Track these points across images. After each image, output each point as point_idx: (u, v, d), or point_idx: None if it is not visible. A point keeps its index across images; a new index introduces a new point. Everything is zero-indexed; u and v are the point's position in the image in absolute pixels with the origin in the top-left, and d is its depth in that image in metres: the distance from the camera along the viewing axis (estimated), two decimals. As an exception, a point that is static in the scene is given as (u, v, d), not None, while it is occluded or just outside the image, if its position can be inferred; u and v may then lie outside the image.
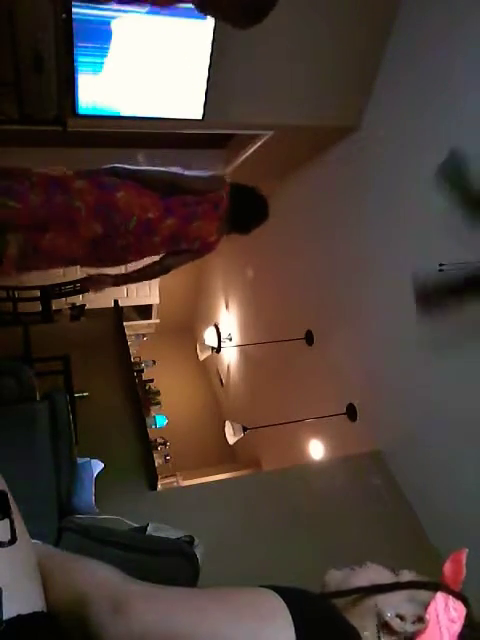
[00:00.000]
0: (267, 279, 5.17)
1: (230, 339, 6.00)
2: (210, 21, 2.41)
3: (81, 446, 2.52)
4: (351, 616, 0.71)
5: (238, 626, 0.63)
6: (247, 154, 3.74)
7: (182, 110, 2.71)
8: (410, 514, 2.99)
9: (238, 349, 5.84)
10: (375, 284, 3.41)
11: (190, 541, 1.76)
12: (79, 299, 5.61)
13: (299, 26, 2.78)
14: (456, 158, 2.18)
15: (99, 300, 5.81)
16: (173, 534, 1.80)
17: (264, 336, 4.76)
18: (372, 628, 0.69)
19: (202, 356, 5.53)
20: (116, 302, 4.75)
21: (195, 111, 2.70)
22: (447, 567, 0.76)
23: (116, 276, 2.16)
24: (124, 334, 4.07)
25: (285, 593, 0.66)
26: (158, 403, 6.07)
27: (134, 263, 2.17)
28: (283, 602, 0.64)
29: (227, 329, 6.09)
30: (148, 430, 3.57)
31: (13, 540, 0.60)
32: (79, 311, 5.44)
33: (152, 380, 6.14)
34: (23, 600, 0.59)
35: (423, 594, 0.72)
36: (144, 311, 7.31)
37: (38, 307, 4.37)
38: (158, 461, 4.95)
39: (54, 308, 4.62)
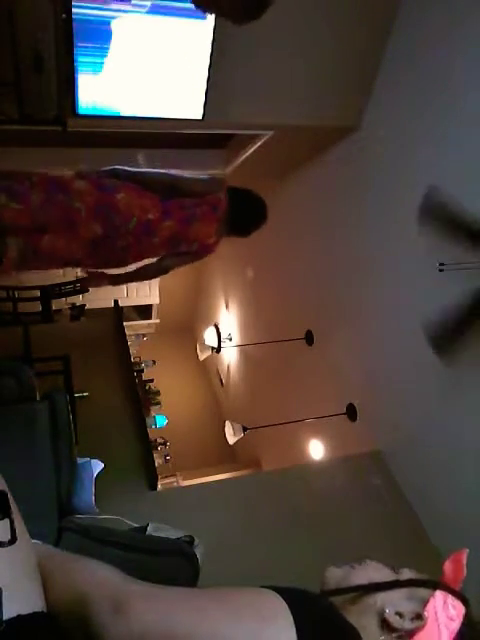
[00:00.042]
0: (267, 279, 5.17)
1: (230, 339, 6.00)
2: (210, 21, 2.41)
3: (81, 446, 2.52)
4: (350, 613, 0.71)
5: (238, 626, 0.63)
6: (247, 154, 3.74)
7: (182, 110, 2.71)
8: (410, 514, 2.99)
9: (238, 349, 5.84)
10: (375, 284, 3.41)
11: (190, 541, 1.76)
12: (79, 299, 5.61)
13: (299, 26, 2.78)
14: (434, 196, 2.24)
15: (99, 300, 5.82)
16: (173, 534, 1.80)
17: (264, 336, 4.76)
18: (371, 625, 0.69)
19: (202, 356, 5.53)
20: (116, 302, 4.75)
21: (195, 111, 2.70)
22: (447, 566, 0.77)
23: (115, 274, 2.17)
24: (124, 334, 4.08)
25: (286, 593, 0.66)
26: (158, 403, 6.07)
27: (134, 264, 2.17)
28: (284, 602, 0.64)
29: (227, 329, 6.09)
30: (148, 430, 3.57)
31: (13, 540, 0.60)
32: (79, 311, 5.45)
33: (152, 380, 6.14)
34: (23, 600, 0.59)
35: (422, 592, 0.72)
36: (144, 311, 7.31)
37: (38, 307, 4.37)
38: (158, 461, 4.95)
39: (54, 308, 4.62)
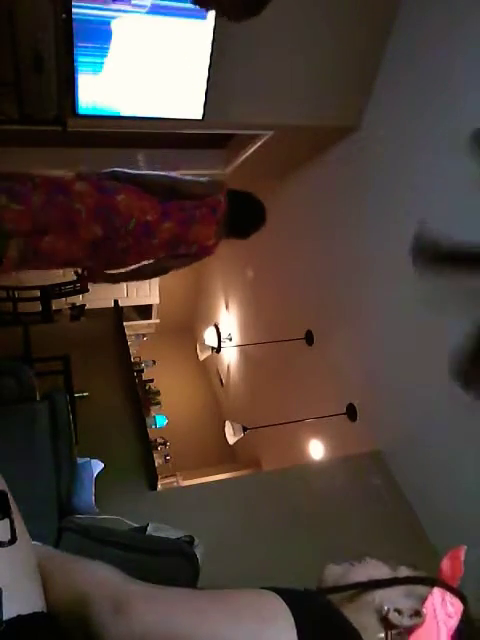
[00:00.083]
0: (267, 279, 5.17)
1: (230, 339, 6.00)
2: (210, 21, 2.41)
3: (81, 446, 2.52)
4: (349, 611, 0.71)
5: (238, 627, 0.63)
6: (247, 154, 3.74)
7: (182, 110, 2.71)
8: (410, 514, 2.99)
9: (238, 349, 5.84)
10: (375, 284, 3.41)
11: (190, 541, 1.76)
12: (79, 299, 5.61)
13: (299, 26, 2.78)
14: (424, 233, 2.20)
15: (99, 300, 5.82)
16: (173, 534, 1.80)
17: (264, 336, 4.76)
18: (370, 623, 0.70)
19: (202, 356, 5.53)
20: (116, 302, 4.75)
21: (195, 111, 2.70)
22: (445, 564, 0.77)
23: (113, 272, 2.17)
24: (124, 334, 4.08)
25: (287, 594, 0.66)
26: (158, 403, 6.07)
27: (134, 265, 2.18)
28: (284, 603, 0.64)
29: (227, 329, 6.09)
30: (148, 430, 3.57)
31: (13, 540, 0.60)
32: (79, 311, 5.45)
33: (152, 380, 6.15)
34: (23, 600, 0.59)
35: (420, 589, 0.72)
36: (144, 311, 7.31)
37: (38, 307, 4.37)
38: (158, 461, 4.95)
39: (54, 308, 4.62)
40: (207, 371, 7.31)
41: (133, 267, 2.20)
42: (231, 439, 4.04)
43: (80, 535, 1.83)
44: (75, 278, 2.35)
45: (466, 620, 0.70)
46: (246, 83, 2.86)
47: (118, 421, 3.33)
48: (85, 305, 5.64)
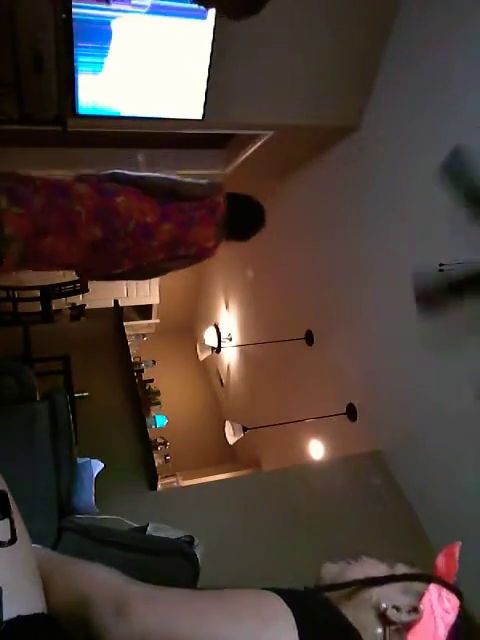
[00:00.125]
0: (267, 279, 5.17)
1: (230, 339, 6.00)
2: (210, 21, 2.41)
3: (81, 446, 2.52)
4: (347, 608, 0.71)
5: (239, 628, 0.63)
6: (247, 154, 3.74)
7: (182, 110, 2.71)
8: (410, 514, 2.99)
9: (238, 349, 5.84)
10: (375, 284, 3.41)
11: (190, 541, 1.76)
12: (79, 299, 5.61)
13: (299, 26, 2.78)
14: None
15: (99, 300, 5.82)
16: (173, 534, 1.80)
17: (264, 336, 4.76)
18: (368, 619, 0.70)
19: (202, 356, 5.53)
20: (116, 302, 4.75)
21: (195, 111, 2.70)
22: (440, 560, 0.77)
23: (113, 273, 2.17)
24: (124, 334, 4.07)
25: (287, 595, 0.66)
26: (158, 403, 6.07)
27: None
28: (285, 604, 0.64)
29: (227, 329, 6.09)
30: (148, 430, 3.57)
31: (13, 540, 0.60)
32: (79, 311, 5.45)
33: (152, 380, 6.15)
34: (23, 601, 0.59)
35: (417, 586, 0.73)
36: (144, 311, 7.31)
37: (38, 307, 4.37)
38: (158, 461, 4.95)
39: (54, 308, 4.62)
40: (207, 371, 7.31)
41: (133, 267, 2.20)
42: (231, 439, 4.04)
43: (80, 535, 1.83)
44: (77, 280, 2.35)
45: (463, 616, 0.70)
46: (246, 83, 2.86)
47: (118, 421, 3.33)
48: (85, 305, 5.64)
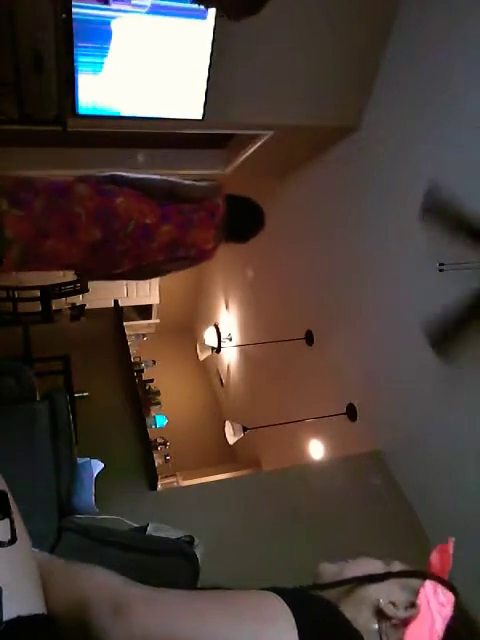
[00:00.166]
0: (267, 279, 5.17)
1: (230, 339, 6.00)
2: (210, 21, 2.41)
3: (81, 446, 2.52)
4: (345, 606, 0.72)
5: (239, 628, 0.63)
6: (247, 154, 3.74)
7: (182, 110, 2.71)
8: (410, 514, 2.99)
9: (238, 349, 5.84)
10: (375, 284, 3.41)
11: (190, 541, 1.76)
12: (79, 299, 5.61)
13: (299, 26, 2.78)
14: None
15: (99, 300, 5.82)
16: (173, 534, 1.80)
17: (264, 336, 4.76)
18: (366, 616, 0.71)
19: (202, 356, 5.53)
20: (116, 302, 4.74)
21: (195, 111, 2.70)
22: (434, 557, 0.78)
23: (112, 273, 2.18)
24: (124, 334, 4.07)
25: (288, 595, 0.66)
26: (158, 403, 6.07)
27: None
28: (285, 604, 0.64)
29: (227, 329, 6.09)
30: (148, 430, 3.57)
31: (13, 540, 0.59)
32: (79, 311, 5.45)
33: (152, 380, 6.14)
34: (23, 601, 0.59)
35: (413, 582, 0.73)
36: (144, 311, 7.32)
37: (38, 307, 4.37)
38: (158, 461, 4.95)
39: (54, 308, 4.62)
40: (207, 371, 7.31)
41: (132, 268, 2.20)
42: (231, 439, 4.04)
43: (80, 535, 1.83)
44: (77, 279, 2.35)
45: (459, 610, 0.71)
46: (246, 83, 2.86)
47: (118, 421, 3.33)
48: (85, 305, 5.64)
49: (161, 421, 5.92)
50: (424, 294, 2.89)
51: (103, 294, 5.90)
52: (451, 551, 0.77)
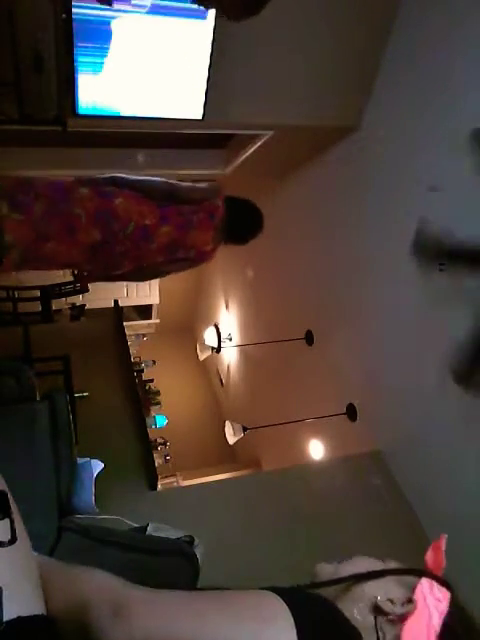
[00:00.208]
0: (267, 279, 5.17)
1: (230, 339, 6.00)
2: (210, 21, 2.41)
3: (81, 446, 2.52)
4: (343, 603, 0.72)
5: (239, 629, 0.63)
6: (247, 154, 3.74)
7: (182, 110, 2.71)
8: (410, 514, 2.99)
9: (238, 349, 5.84)
10: (375, 284, 3.41)
11: (190, 541, 1.76)
12: (79, 299, 5.61)
13: (299, 26, 2.78)
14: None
15: (99, 300, 5.82)
16: (173, 534, 1.80)
17: (264, 336, 4.76)
18: (364, 613, 0.71)
19: (202, 356, 5.53)
20: (116, 302, 4.75)
21: (195, 111, 2.70)
22: (429, 556, 0.79)
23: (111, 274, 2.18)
24: (124, 334, 4.07)
25: (287, 595, 0.66)
26: (158, 403, 6.07)
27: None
28: (284, 604, 0.64)
29: (227, 329, 6.09)
30: (148, 430, 3.57)
31: (13, 540, 0.60)
32: (79, 311, 5.45)
33: (152, 380, 6.15)
34: (23, 602, 0.59)
35: (409, 579, 0.74)
36: (144, 311, 7.32)
37: (38, 307, 4.37)
38: (158, 461, 4.95)
39: (54, 308, 4.62)
40: (207, 371, 7.31)
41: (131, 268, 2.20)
42: (231, 439, 4.04)
43: (80, 535, 1.83)
44: (76, 279, 2.36)
45: (455, 605, 0.72)
46: (246, 83, 2.86)
47: (118, 421, 3.33)
48: (85, 305, 5.64)
49: (161, 421, 5.92)
50: (424, 294, 2.89)
51: (103, 294, 5.90)
52: (444, 548, 0.78)
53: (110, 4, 1.78)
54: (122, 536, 1.80)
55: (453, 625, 0.69)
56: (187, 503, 2.87)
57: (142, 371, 5.89)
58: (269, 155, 3.71)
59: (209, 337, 5.65)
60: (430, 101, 2.83)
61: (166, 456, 5.59)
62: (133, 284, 6.50)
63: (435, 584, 0.72)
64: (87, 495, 2.23)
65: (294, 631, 0.62)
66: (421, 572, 0.75)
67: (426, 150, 2.86)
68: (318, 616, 0.67)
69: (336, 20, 2.82)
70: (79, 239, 1.87)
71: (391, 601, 0.71)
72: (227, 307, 6.28)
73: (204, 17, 2.39)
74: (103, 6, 2.17)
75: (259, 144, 3.55)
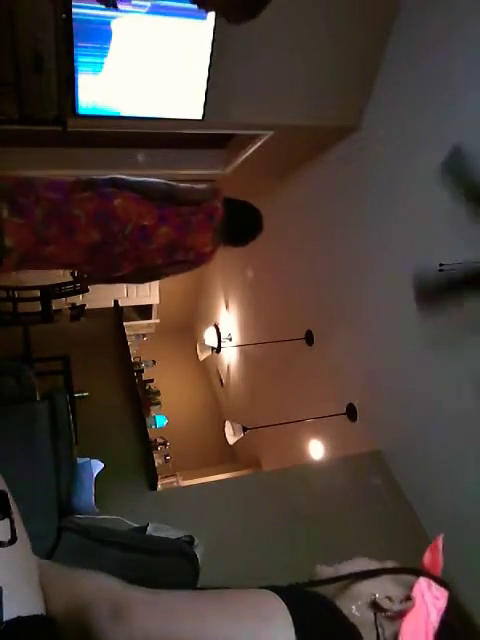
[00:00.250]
0: (267, 279, 5.17)
1: (230, 339, 6.00)
2: (210, 21, 2.42)
3: (81, 446, 2.52)
4: (342, 601, 0.73)
5: (239, 628, 0.63)
6: (247, 154, 3.74)
7: (182, 110, 2.71)
8: (410, 514, 2.99)
9: (238, 349, 5.84)
10: (375, 284, 3.41)
11: (190, 541, 1.76)
12: (79, 299, 5.61)
13: (299, 26, 2.78)
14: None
15: (99, 300, 5.82)
16: (173, 534, 1.80)
17: (264, 336, 4.76)
18: (362, 611, 0.72)
19: (202, 356, 5.53)
20: (116, 302, 4.75)
21: (195, 111, 2.70)
22: (426, 557, 0.79)
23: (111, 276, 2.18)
24: (124, 334, 4.07)
25: (285, 593, 0.67)
26: (158, 403, 6.07)
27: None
28: (283, 603, 0.65)
29: (227, 329, 6.09)
30: (148, 430, 3.57)
31: (13, 540, 0.60)
32: (79, 311, 5.45)
33: (152, 380, 6.14)
34: (23, 602, 0.59)
35: (407, 578, 0.75)
36: (144, 311, 7.32)
37: (38, 307, 4.37)
38: (158, 461, 4.95)
39: (54, 308, 4.62)
40: (207, 371, 7.31)
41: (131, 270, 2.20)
42: (231, 439, 4.04)
43: (80, 535, 1.83)
44: (76, 280, 2.36)
45: (453, 604, 0.72)
46: (246, 83, 2.86)
47: (118, 421, 3.33)
48: (85, 305, 5.64)
49: (161, 421, 5.92)
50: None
51: (103, 294, 5.90)
52: (440, 548, 0.78)
53: (115, 7, 1.78)
54: (122, 536, 1.81)
55: (451, 621, 0.69)
56: (187, 503, 2.87)
57: (142, 371, 5.89)
58: (269, 155, 3.71)
59: (209, 337, 5.65)
60: (430, 101, 2.83)
61: (166, 456, 5.59)
62: (133, 284, 6.50)
63: (433, 583, 0.72)
64: (87, 495, 2.23)
65: (293, 630, 0.62)
66: (419, 572, 0.75)
67: (426, 150, 2.86)
68: (316, 614, 0.68)
69: (336, 20, 2.82)
70: (78, 240, 1.87)
71: (389, 599, 0.71)
72: (227, 307, 6.28)
73: (204, 17, 2.39)
74: (107, 7, 2.17)
75: (259, 144, 3.55)
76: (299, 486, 3.03)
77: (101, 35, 2.34)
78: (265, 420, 4.03)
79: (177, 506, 2.81)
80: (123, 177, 2.02)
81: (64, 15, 2.23)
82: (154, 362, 6.16)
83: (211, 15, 2.34)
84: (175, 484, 5.16)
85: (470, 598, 0.79)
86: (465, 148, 2.24)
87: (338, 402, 3.73)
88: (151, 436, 3.90)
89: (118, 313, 4.43)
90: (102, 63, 2.43)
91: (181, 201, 2.05)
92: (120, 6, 2.25)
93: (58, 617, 0.64)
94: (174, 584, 0.70)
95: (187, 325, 7.65)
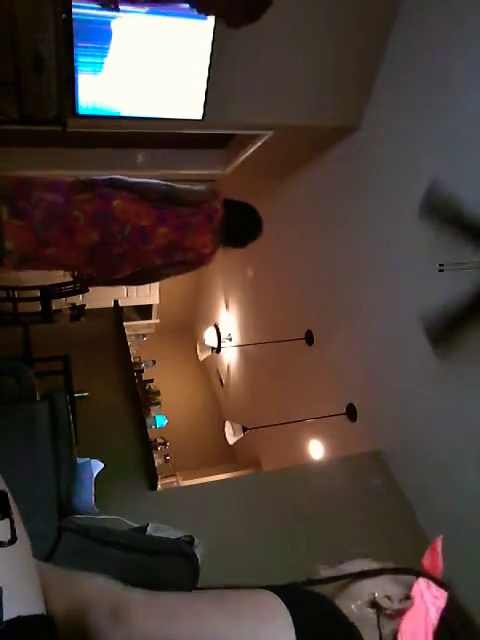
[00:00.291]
0: (267, 279, 5.17)
1: (230, 339, 6.00)
2: (210, 21, 2.41)
3: (81, 446, 2.52)
4: (341, 600, 0.73)
5: (238, 628, 0.63)
6: (247, 154, 3.74)
7: (182, 110, 2.71)
8: (410, 514, 2.99)
9: (238, 349, 5.84)
10: (375, 284, 3.41)
11: (190, 541, 1.76)
12: (79, 299, 5.61)
13: (299, 26, 2.78)
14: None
15: (99, 300, 5.82)
16: (173, 534, 1.80)
17: (264, 336, 4.76)
18: (362, 610, 0.72)
19: (202, 356, 5.53)
20: (116, 302, 4.75)
21: (195, 111, 2.70)
22: (426, 559, 0.79)
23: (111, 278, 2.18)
24: (124, 334, 4.08)
25: (285, 593, 0.67)
26: (158, 403, 6.07)
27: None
28: (282, 603, 0.65)
29: (227, 329, 6.09)
30: (148, 430, 3.57)
31: (13, 540, 0.59)
32: (79, 311, 5.45)
33: (152, 380, 6.14)
34: (23, 601, 0.59)
35: (406, 578, 0.75)
36: (144, 311, 7.32)
37: (38, 307, 4.37)
38: (158, 461, 4.95)
39: (54, 308, 4.62)
40: (207, 371, 7.31)
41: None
42: (231, 439, 4.04)
43: (80, 535, 1.83)
44: (76, 280, 2.36)
45: (453, 604, 0.72)
46: (246, 83, 2.86)
47: (118, 421, 3.33)
48: (85, 305, 5.64)
49: (161, 421, 5.92)
50: (424, 294, 2.89)
51: (103, 294, 5.90)
52: (439, 549, 0.78)
53: (117, 8, 1.78)
54: (122, 536, 1.81)
55: (450, 620, 0.70)
56: (187, 503, 2.87)
57: (142, 371, 5.89)
58: (269, 155, 3.71)
59: (209, 337, 5.65)
60: (430, 101, 2.83)
61: (166, 456, 5.59)
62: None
63: (432, 583, 0.72)
64: (87, 495, 2.23)
65: (292, 630, 0.62)
66: (418, 572, 0.75)
67: (426, 150, 2.86)
68: (316, 613, 0.68)
69: (336, 20, 2.82)
70: (77, 241, 1.87)
71: (388, 598, 0.72)
72: (227, 307, 6.28)
73: (204, 17, 2.39)
74: (108, 9, 2.17)
75: (259, 144, 3.55)
76: (299, 486, 3.04)
77: (101, 35, 2.34)
78: (265, 420, 4.03)
79: (177, 506, 2.81)
80: (121, 177, 2.02)
81: (64, 15, 2.23)
82: (154, 362, 6.16)
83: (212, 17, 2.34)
84: (175, 484, 5.16)
85: (470, 598, 0.79)
86: (439, 184, 2.29)
87: (338, 402, 3.73)
88: (151, 436, 3.90)
89: (118, 313, 4.44)
90: (102, 63, 2.43)
91: (180, 202, 2.05)
92: (121, 6, 2.26)
93: (58, 620, 0.64)
94: (174, 584, 0.70)
95: (187, 325, 7.65)
